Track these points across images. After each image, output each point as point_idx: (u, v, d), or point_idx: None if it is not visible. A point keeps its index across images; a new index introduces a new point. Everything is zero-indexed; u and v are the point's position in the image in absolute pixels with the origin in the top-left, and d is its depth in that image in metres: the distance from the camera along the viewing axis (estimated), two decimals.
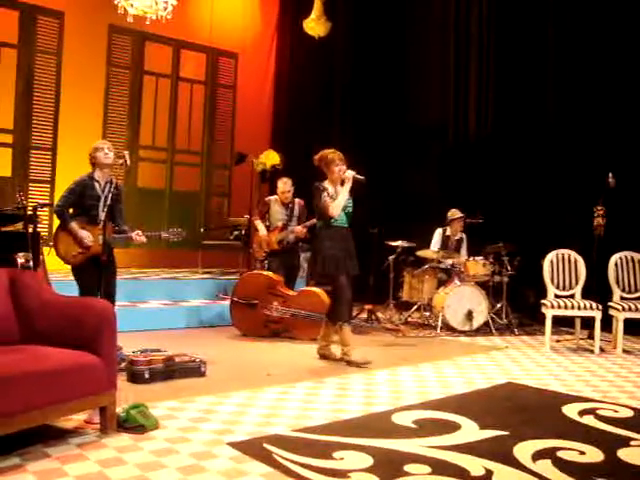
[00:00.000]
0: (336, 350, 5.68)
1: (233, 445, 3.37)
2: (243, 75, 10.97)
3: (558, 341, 6.97)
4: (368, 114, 10.37)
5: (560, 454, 3.34)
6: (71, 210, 5.27)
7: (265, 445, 3.37)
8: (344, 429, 3.68)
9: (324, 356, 5.74)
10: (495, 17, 9.18)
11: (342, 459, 3.20)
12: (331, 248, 5.52)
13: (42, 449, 3.22)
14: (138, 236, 5.37)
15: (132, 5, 7.67)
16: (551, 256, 6.89)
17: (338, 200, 5.53)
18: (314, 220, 7.16)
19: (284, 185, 7.35)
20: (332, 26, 9.69)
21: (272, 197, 7.52)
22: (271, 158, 9.71)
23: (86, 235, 5.17)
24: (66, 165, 8.41)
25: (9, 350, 3.36)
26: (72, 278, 5.38)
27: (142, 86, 9.97)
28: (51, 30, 9.01)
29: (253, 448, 3.33)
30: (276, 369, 5.26)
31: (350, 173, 5.59)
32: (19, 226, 5.80)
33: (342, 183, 5.62)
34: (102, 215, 5.12)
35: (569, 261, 6.87)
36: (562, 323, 7.42)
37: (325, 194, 5.54)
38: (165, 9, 7.87)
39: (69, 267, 5.40)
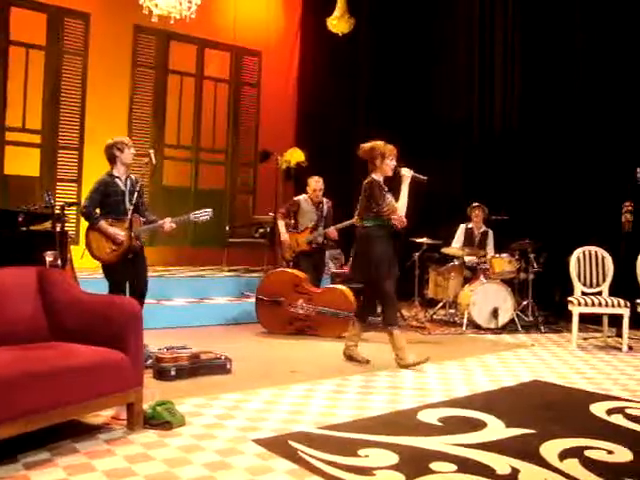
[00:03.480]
0: (362, 350, 5.62)
1: (258, 442, 3.39)
2: (267, 73, 10.98)
3: (585, 339, 6.89)
4: (392, 111, 10.32)
5: (588, 453, 3.30)
6: (98, 210, 5.35)
7: (290, 442, 3.38)
8: (369, 427, 3.68)
9: (350, 357, 5.57)
10: (520, 11, 9.09)
11: (367, 456, 3.20)
12: (386, 251, 5.33)
13: (71, 444, 3.27)
14: (167, 223, 5.42)
15: (157, 5, 7.71)
16: (578, 253, 6.80)
17: (402, 202, 5.36)
18: (348, 222, 7.15)
19: (316, 183, 7.33)
20: (355, 23, 9.66)
21: (301, 196, 7.50)
22: (296, 156, 9.71)
23: (117, 231, 5.25)
24: (92, 164, 8.49)
25: (39, 347, 3.42)
26: (100, 275, 5.46)
27: (167, 85, 10.03)
28: (77, 31, 9.10)
29: (278, 445, 3.34)
30: (301, 366, 5.28)
31: (409, 172, 5.42)
32: (47, 225, 5.88)
33: (387, 180, 5.40)
34: (129, 209, 5.20)
35: (596, 258, 6.78)
36: (589, 321, 7.32)
37: (389, 195, 5.33)
38: (189, 8, 7.90)
39: (97, 264, 5.48)
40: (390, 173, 5.44)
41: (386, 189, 5.38)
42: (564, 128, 8.47)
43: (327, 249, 7.81)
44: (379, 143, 5.44)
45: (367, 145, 5.46)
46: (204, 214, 5.53)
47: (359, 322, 5.60)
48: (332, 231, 7.24)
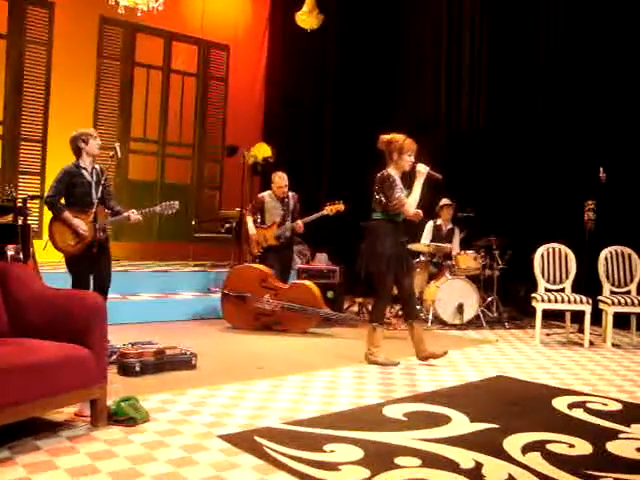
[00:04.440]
0: (328, 347, 5.61)
1: (224, 438, 3.37)
2: (235, 67, 10.92)
3: (548, 335, 7.00)
4: (360, 108, 10.35)
5: (550, 447, 3.35)
6: (62, 200, 5.26)
7: (256, 438, 3.37)
8: (335, 422, 3.69)
9: (426, 358, 5.33)
10: (488, 10, 9.18)
11: (333, 452, 3.21)
12: (393, 246, 5.18)
13: (32, 442, 3.21)
14: (133, 215, 5.38)
15: None
16: (542, 250, 6.91)
17: (414, 197, 5.18)
18: (316, 215, 7.18)
19: (280, 179, 7.32)
20: (324, 19, 9.66)
21: (265, 193, 7.50)
22: (263, 151, 9.68)
23: (80, 223, 5.17)
24: (56, 157, 8.34)
25: None
26: (63, 270, 5.38)
27: (133, 78, 9.91)
28: (41, 21, 8.93)
29: (244, 441, 3.33)
30: (267, 362, 5.27)
31: (425, 168, 5.23)
32: (9, 218, 5.78)
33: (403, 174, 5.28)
34: (96, 201, 5.13)
35: (560, 255, 6.90)
36: (552, 317, 7.45)
37: (398, 189, 5.15)
38: (156, 0, 7.81)
39: (60, 258, 5.39)
40: (407, 169, 5.28)
41: (398, 183, 5.20)
42: (529, 127, 8.59)
43: (295, 244, 7.80)
44: (398, 136, 5.25)
45: (386, 137, 5.27)
46: (169, 207, 5.51)
47: (415, 323, 5.37)
48: (299, 224, 7.24)
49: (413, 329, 5.35)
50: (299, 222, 7.24)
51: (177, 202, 5.55)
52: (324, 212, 7.18)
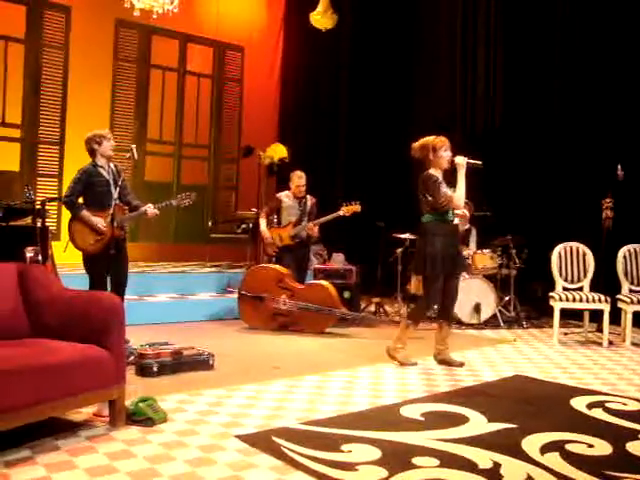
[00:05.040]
0: (348, 347, 5.57)
1: (241, 438, 3.38)
2: (250, 69, 10.95)
3: (566, 334, 6.95)
4: (375, 107, 10.34)
5: (568, 447, 3.33)
6: (80, 200, 5.32)
7: (273, 438, 3.37)
8: (352, 422, 3.69)
9: (443, 361, 5.31)
10: (503, 8, 9.13)
11: (350, 452, 3.21)
12: (445, 247, 5.11)
13: (52, 442, 3.24)
14: (150, 209, 5.44)
15: None
16: (559, 249, 6.86)
17: (460, 190, 5.10)
18: (331, 216, 7.18)
19: (299, 179, 7.33)
20: (339, 19, 9.66)
21: (283, 193, 7.50)
22: (279, 151, 9.69)
23: (99, 221, 5.23)
24: (73, 159, 8.39)
25: (18, 344, 3.38)
26: (81, 271, 5.43)
27: (149, 80, 9.97)
28: (58, 25, 9.01)
29: (261, 441, 3.33)
30: (284, 362, 5.27)
31: (463, 159, 5.15)
32: (28, 220, 5.82)
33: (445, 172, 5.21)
34: (115, 199, 5.19)
35: (577, 254, 6.84)
36: (570, 316, 7.39)
37: (444, 186, 5.09)
38: (171, 2, 7.85)
39: (78, 260, 5.44)
40: (447, 165, 5.20)
41: (441, 181, 5.13)
42: (546, 126, 8.52)
43: (310, 244, 7.81)
44: (428, 138, 5.23)
45: (416, 144, 5.26)
46: (186, 199, 5.59)
47: (445, 323, 5.36)
48: (312, 227, 7.22)
49: (441, 329, 5.33)
50: (311, 224, 7.20)
51: (194, 193, 5.64)
52: (340, 213, 7.18)
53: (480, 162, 5.24)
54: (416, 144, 5.28)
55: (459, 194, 5.13)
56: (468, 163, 5.19)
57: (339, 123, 10.94)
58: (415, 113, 10.04)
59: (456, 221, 5.41)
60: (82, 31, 9.10)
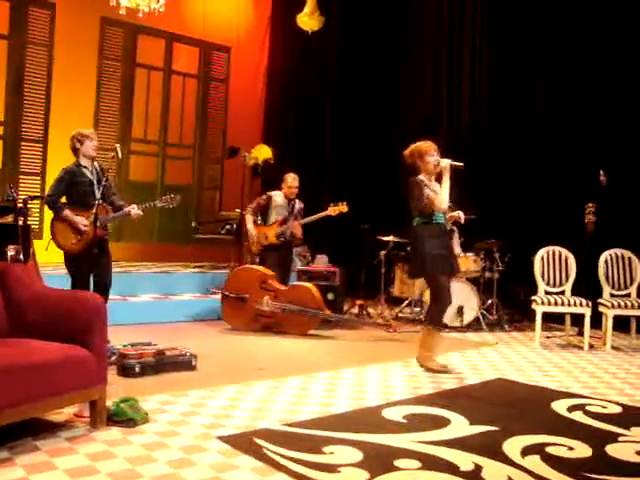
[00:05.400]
0: (331, 349, 5.57)
1: (223, 439, 3.37)
2: (236, 69, 10.93)
3: (548, 337, 6.99)
4: (361, 109, 10.37)
5: (549, 450, 3.35)
6: (63, 199, 5.28)
7: (255, 439, 3.37)
8: (334, 424, 3.69)
9: (429, 369, 5.16)
10: (488, 9, 9.19)
11: (332, 453, 3.21)
12: (436, 247, 5.11)
13: (32, 442, 3.21)
14: (134, 210, 5.42)
15: None
16: (542, 253, 6.91)
17: (443, 192, 5.13)
18: (315, 216, 7.21)
19: (293, 181, 7.37)
20: (325, 20, 9.67)
21: (274, 192, 7.51)
22: (263, 152, 9.69)
23: (81, 219, 5.20)
24: (57, 158, 8.35)
25: None
26: (63, 271, 5.38)
27: (134, 79, 9.93)
28: (42, 22, 8.94)
29: (243, 442, 3.33)
30: (267, 363, 5.26)
31: (446, 162, 5.17)
32: (9, 219, 5.78)
33: (438, 176, 5.24)
34: (98, 199, 5.15)
35: (560, 258, 6.89)
36: (552, 319, 7.46)
37: (427, 189, 5.13)
38: (158, 1, 7.82)
39: (61, 259, 5.40)
40: (434, 169, 5.22)
41: (427, 184, 5.17)
42: (531, 129, 8.58)
43: (294, 245, 7.80)
44: (416, 144, 5.29)
45: (406, 151, 5.32)
46: (170, 201, 5.58)
47: (435, 329, 5.22)
48: (296, 226, 7.25)
49: (429, 334, 5.23)
50: (295, 223, 7.25)
51: (179, 196, 5.63)
52: (327, 212, 7.22)
53: (461, 164, 5.26)
54: (406, 152, 5.33)
55: (442, 196, 5.15)
56: (451, 165, 5.22)
57: (324, 125, 10.94)
58: (401, 114, 10.09)
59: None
60: (67, 28, 9.03)
